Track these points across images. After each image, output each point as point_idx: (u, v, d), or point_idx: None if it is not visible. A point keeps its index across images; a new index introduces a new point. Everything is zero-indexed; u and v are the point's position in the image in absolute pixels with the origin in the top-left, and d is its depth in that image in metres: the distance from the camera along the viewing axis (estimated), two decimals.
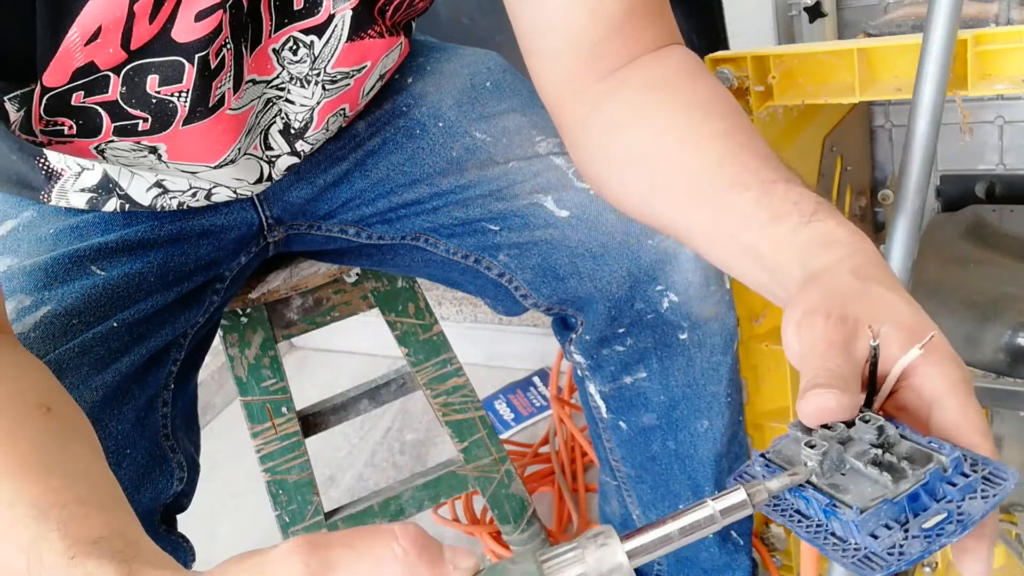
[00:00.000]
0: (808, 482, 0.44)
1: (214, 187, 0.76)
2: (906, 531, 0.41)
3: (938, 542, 0.40)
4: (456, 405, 1.06)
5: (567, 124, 0.70)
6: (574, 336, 0.84)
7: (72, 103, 0.60)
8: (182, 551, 0.78)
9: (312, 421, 1.11)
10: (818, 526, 0.44)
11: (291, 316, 0.99)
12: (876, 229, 1.32)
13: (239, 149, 0.70)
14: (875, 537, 0.41)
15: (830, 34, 1.22)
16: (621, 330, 0.81)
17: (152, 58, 0.59)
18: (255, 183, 0.77)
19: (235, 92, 0.65)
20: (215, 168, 0.71)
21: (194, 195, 0.77)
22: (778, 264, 0.55)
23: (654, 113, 0.64)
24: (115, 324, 0.71)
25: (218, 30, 0.59)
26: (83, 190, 0.75)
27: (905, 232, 0.82)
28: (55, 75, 0.58)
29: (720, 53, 0.93)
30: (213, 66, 0.61)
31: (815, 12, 1.20)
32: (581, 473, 1.44)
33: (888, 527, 0.41)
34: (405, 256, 0.87)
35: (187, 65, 0.60)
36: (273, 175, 0.77)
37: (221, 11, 0.59)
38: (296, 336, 1.02)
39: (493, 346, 1.76)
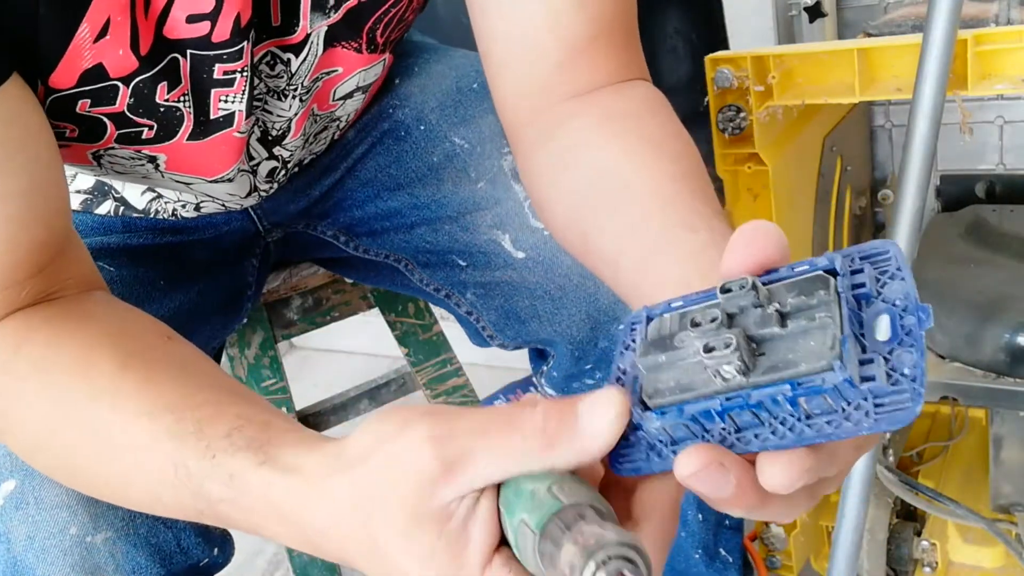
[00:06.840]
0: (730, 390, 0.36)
1: (203, 200, 0.77)
2: (877, 352, 0.34)
3: (914, 337, 0.34)
4: (456, 405, 1.06)
5: (520, 146, 0.67)
6: (544, 369, 0.84)
7: (77, 111, 0.59)
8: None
9: (312, 421, 1.11)
10: (773, 432, 0.36)
11: (291, 316, 0.99)
12: (876, 229, 1.32)
13: (238, 168, 0.71)
14: (871, 379, 0.34)
15: (830, 34, 1.22)
16: (588, 366, 0.80)
17: (156, 66, 0.59)
18: (245, 197, 0.78)
19: (247, 116, 0.65)
20: (210, 182, 0.71)
21: (184, 206, 0.77)
22: None
23: (607, 147, 0.61)
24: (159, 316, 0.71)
25: (236, 50, 0.60)
26: (78, 191, 0.75)
27: (905, 232, 0.82)
28: (63, 76, 0.57)
29: (720, 53, 0.93)
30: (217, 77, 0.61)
31: (815, 12, 1.21)
32: None
33: (870, 360, 0.34)
34: (386, 277, 0.88)
35: (180, 60, 0.60)
36: (257, 184, 0.77)
37: (209, 22, 0.58)
38: (296, 336, 1.02)
39: None
